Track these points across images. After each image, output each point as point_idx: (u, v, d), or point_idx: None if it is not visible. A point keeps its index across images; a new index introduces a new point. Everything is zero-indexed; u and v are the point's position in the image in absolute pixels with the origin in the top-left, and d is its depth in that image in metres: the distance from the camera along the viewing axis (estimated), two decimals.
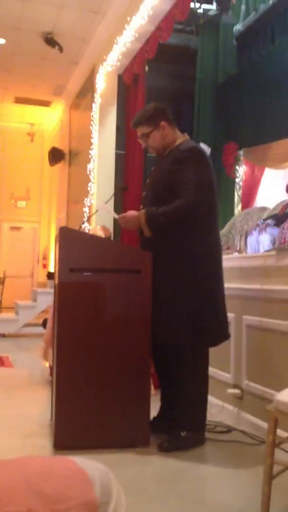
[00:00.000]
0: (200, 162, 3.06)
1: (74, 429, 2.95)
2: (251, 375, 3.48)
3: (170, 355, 3.13)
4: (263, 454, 2.23)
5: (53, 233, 11.41)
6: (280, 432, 2.47)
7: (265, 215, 5.96)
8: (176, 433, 3.04)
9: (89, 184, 7.79)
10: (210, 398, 3.67)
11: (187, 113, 7.51)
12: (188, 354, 3.04)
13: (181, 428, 3.04)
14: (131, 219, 3.10)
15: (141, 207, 3.20)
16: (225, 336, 3.16)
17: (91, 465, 1.24)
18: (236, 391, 3.59)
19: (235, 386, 3.65)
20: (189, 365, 3.06)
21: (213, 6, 6.49)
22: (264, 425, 3.08)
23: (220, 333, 3.13)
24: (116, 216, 3.23)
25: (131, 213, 3.14)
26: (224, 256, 3.52)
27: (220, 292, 3.12)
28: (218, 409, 3.59)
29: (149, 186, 3.25)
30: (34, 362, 5.94)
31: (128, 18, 6.04)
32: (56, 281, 3.12)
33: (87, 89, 8.77)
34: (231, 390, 3.63)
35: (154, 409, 3.19)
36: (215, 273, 3.10)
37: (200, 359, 3.11)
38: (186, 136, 3.25)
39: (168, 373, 3.22)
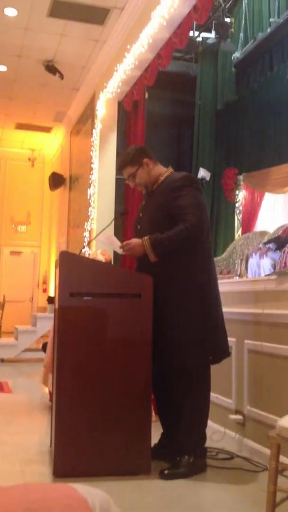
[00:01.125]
0: (194, 187, 3.16)
1: (74, 456, 2.90)
2: (253, 401, 3.45)
3: (173, 380, 3.10)
4: (265, 481, 2.19)
5: (53, 257, 11.43)
6: (283, 459, 2.44)
7: (265, 239, 5.99)
8: (177, 460, 3.00)
9: (89, 209, 7.83)
10: (212, 424, 3.64)
11: (187, 139, 7.60)
12: (192, 378, 3.03)
13: (182, 455, 3.01)
14: (135, 246, 3.12)
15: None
16: (227, 352, 3.16)
17: (91, 492, 1.23)
18: (238, 417, 3.56)
19: (237, 412, 3.61)
20: (191, 390, 3.04)
21: (212, 34, 6.60)
22: (267, 451, 3.04)
23: (222, 349, 3.13)
24: (119, 249, 3.24)
25: (135, 240, 3.16)
26: (225, 281, 3.52)
27: (218, 307, 3.13)
28: (220, 435, 3.55)
29: (144, 218, 3.28)
30: (34, 388, 5.89)
31: (128, 46, 6.15)
32: (56, 305, 3.11)
33: (88, 115, 8.87)
34: (233, 416, 3.60)
35: (155, 435, 3.16)
36: (213, 290, 3.12)
37: (203, 385, 3.09)
38: (171, 169, 3.34)
39: (169, 399, 3.19)
